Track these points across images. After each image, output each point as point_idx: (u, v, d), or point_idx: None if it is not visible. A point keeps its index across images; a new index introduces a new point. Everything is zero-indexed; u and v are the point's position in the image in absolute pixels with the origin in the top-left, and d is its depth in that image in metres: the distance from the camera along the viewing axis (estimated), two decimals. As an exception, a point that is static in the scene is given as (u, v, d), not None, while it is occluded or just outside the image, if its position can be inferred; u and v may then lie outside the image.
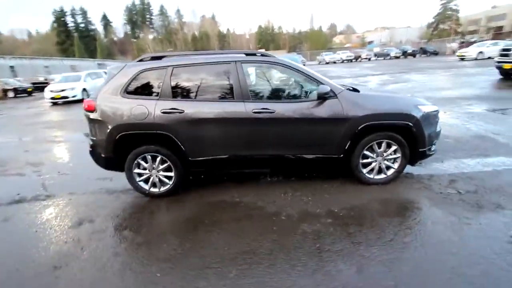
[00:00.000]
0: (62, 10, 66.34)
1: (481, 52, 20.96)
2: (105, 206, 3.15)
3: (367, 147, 3.05)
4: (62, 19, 66.51)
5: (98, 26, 74.81)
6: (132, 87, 2.99)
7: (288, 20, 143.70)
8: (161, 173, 3.12)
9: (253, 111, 2.88)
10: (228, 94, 2.96)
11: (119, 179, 3.77)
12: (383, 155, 3.12)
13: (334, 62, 36.38)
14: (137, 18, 78.68)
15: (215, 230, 2.50)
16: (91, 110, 3.01)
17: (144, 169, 3.12)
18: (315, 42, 70.09)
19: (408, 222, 2.49)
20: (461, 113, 6.31)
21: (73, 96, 13.39)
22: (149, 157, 3.05)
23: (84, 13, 70.85)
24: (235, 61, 2.96)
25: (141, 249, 2.30)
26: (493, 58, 19.72)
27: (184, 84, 3.00)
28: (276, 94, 3.26)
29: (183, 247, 2.28)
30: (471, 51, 21.74)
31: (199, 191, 3.31)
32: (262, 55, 3.15)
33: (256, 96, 3.04)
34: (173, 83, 2.95)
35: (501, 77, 10.47)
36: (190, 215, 2.80)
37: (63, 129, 8.04)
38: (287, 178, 3.53)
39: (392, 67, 21.08)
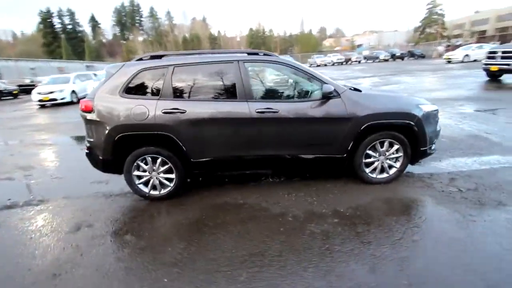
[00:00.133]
0: (48, 11, 64.81)
1: (467, 55, 21.61)
2: (103, 210, 3.04)
3: (369, 146, 3.06)
4: (49, 20, 64.94)
5: (86, 28, 73.45)
6: (131, 87, 2.90)
7: (278, 23, 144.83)
8: (162, 175, 3.04)
9: (256, 111, 2.84)
10: (231, 94, 2.91)
11: (115, 182, 3.67)
12: (385, 154, 3.13)
13: (325, 65, 36.79)
14: (127, 20, 77.64)
15: (220, 233, 2.43)
16: (88, 110, 2.91)
17: (144, 171, 3.02)
18: (306, 45, 70.79)
19: (415, 220, 2.49)
20: (453, 114, 6.45)
21: (62, 99, 13.03)
22: (149, 158, 2.97)
23: (71, 14, 69.46)
24: (238, 60, 2.92)
25: (145, 254, 2.21)
26: (478, 60, 20.50)
27: (186, 83, 2.93)
28: (279, 94, 3.23)
29: (189, 251, 2.21)
30: (457, 54, 22.39)
31: (200, 193, 3.24)
32: (265, 54, 3.12)
33: (259, 95, 3.00)
34: (174, 83, 2.88)
35: (488, 78, 10.80)
36: (193, 218, 2.72)
37: (52, 132, 7.78)
38: (289, 179, 3.50)
39: (382, 70, 21.47)
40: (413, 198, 2.91)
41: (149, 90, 2.92)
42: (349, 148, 3.02)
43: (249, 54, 3.10)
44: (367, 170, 3.16)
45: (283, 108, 2.89)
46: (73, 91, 13.63)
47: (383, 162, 3.15)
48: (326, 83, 2.92)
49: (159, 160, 2.97)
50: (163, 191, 3.08)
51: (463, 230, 2.32)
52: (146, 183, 3.07)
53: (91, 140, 3.00)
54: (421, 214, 2.60)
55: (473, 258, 1.99)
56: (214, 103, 2.90)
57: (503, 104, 6.99)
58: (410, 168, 3.48)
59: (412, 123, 2.99)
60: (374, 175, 3.18)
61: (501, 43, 24.77)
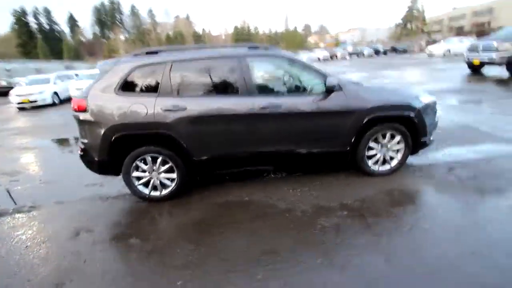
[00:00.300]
0: (23, 10, 61.73)
1: (448, 49, 22.32)
2: (101, 214, 2.90)
3: (372, 139, 3.07)
4: (24, 19, 61.91)
5: (64, 27, 70.56)
6: (127, 84, 2.77)
7: (263, 20, 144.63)
8: (163, 175, 2.93)
9: (259, 106, 2.78)
10: (233, 89, 2.84)
11: (111, 184, 3.53)
12: (387, 146, 3.15)
13: (312, 61, 37.08)
14: (107, 19, 75.15)
15: (229, 232, 2.37)
16: (82, 110, 2.75)
17: (144, 171, 2.91)
18: (291, 42, 71.09)
19: (421, 210, 2.52)
20: (442, 105, 6.60)
21: (43, 100, 12.44)
22: (149, 158, 2.85)
23: (48, 13, 66.41)
24: (239, 55, 2.84)
25: (153, 257, 2.12)
26: (458, 54, 21.22)
27: (186, 80, 2.82)
28: (282, 88, 3.18)
29: (199, 252, 2.13)
30: (438, 49, 23.08)
31: (201, 193, 3.15)
32: (266, 48, 3.05)
33: (261, 90, 2.94)
34: (173, 79, 2.77)
35: (470, 71, 11.17)
36: (198, 218, 2.64)
37: (35, 135, 7.41)
38: (290, 174, 3.47)
39: (368, 65, 21.84)
40: (416, 188, 2.94)
41: (147, 87, 2.79)
42: (352, 141, 3.01)
43: (250, 48, 3.02)
44: (370, 162, 3.17)
45: (286, 103, 2.84)
46: (55, 92, 13.05)
47: (385, 154, 3.18)
48: (328, 77, 2.89)
49: (159, 160, 2.86)
50: (164, 192, 2.98)
51: (468, 218, 2.37)
52: (146, 184, 2.96)
53: (86, 141, 2.85)
54: (426, 204, 2.63)
55: (482, 245, 2.02)
56: (216, 99, 2.81)
57: (486, 95, 7.25)
58: (409, 159, 3.53)
59: (413, 114, 3.02)
60: (376, 167, 3.20)
61: (477, 38, 25.77)
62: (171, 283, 1.84)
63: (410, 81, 10.96)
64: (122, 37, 71.27)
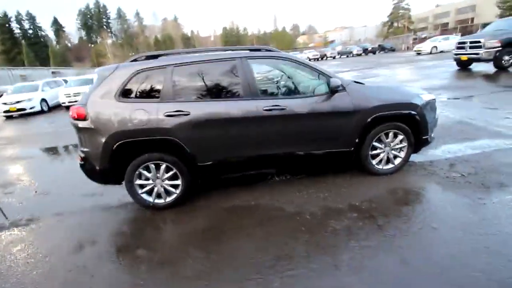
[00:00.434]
0: (6, 15, 60.09)
1: (434, 47, 22.85)
2: (104, 224, 2.81)
3: (375, 138, 3.08)
4: (7, 25, 60.24)
5: (49, 32, 69.06)
6: (128, 90, 2.70)
7: (252, 21, 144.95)
8: (166, 182, 2.86)
9: (263, 108, 2.75)
10: (236, 92, 2.80)
11: (110, 193, 3.43)
12: (390, 145, 3.17)
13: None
14: (93, 22, 73.95)
15: (240, 238, 2.33)
16: (81, 118, 2.67)
17: (147, 179, 2.83)
18: (280, 42, 71.43)
19: (429, 208, 2.53)
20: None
21: (31, 108, 12.11)
22: (152, 165, 2.78)
23: (31, 18, 64.90)
24: (241, 57, 2.81)
25: (165, 269, 2.06)
26: (445, 51, 21.74)
27: (188, 84, 2.78)
28: (285, 90, 3.16)
29: (212, 261, 2.08)
30: (426, 46, 23.60)
31: (207, 198, 3.10)
32: (267, 50, 3.03)
33: (264, 93, 2.91)
34: (175, 84, 2.72)
35: (459, 68, 11.43)
36: (206, 224, 2.59)
37: (26, 145, 7.20)
38: (294, 176, 3.45)
39: (358, 64, 22.11)
40: (421, 186, 2.96)
41: (148, 92, 2.73)
42: (356, 140, 3.02)
43: (251, 50, 2.99)
44: (374, 161, 3.18)
45: (290, 105, 2.82)
46: (43, 99, 12.72)
47: (388, 153, 3.19)
48: (331, 77, 2.89)
49: (163, 167, 2.80)
50: (169, 199, 2.91)
51: (476, 214, 2.39)
52: (149, 192, 2.89)
53: (86, 149, 2.76)
54: (433, 202, 2.64)
55: (493, 241, 2.04)
56: (219, 102, 2.77)
57: (476, 91, 7.41)
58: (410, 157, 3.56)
59: (415, 112, 3.05)
60: (380, 166, 3.21)
61: (462, 35, 26.47)
62: (186, 295, 1.79)
63: (401, 79, 11.13)
64: (109, 41, 70.20)
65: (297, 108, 2.84)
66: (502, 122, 4.77)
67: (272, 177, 3.49)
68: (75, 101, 12.60)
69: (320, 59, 38.59)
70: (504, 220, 2.26)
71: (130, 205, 3.12)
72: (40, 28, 66.42)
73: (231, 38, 77.43)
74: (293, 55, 3.01)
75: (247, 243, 2.26)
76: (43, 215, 3.13)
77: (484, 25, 24.41)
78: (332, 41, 73.08)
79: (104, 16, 75.14)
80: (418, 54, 23.67)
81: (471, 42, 10.24)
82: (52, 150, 6.31)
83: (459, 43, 11.00)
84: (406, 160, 3.27)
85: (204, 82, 2.80)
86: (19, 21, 63.24)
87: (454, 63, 11.64)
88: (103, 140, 2.64)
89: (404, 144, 3.18)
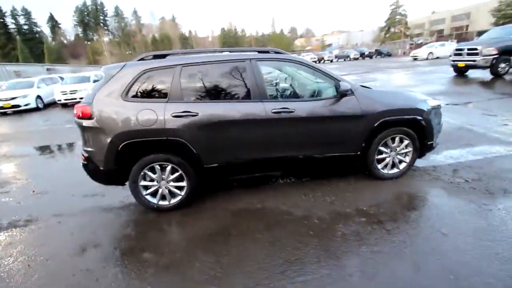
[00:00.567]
0: (0, 10, 59.16)
1: (431, 53, 23.15)
2: (107, 226, 2.75)
3: (382, 142, 3.08)
4: (1, 20, 59.28)
5: (45, 28, 68.16)
6: (135, 89, 2.65)
7: (250, 23, 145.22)
8: (172, 183, 2.81)
9: (272, 111, 2.72)
10: (245, 94, 2.77)
11: (112, 194, 3.37)
12: (396, 150, 3.17)
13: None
14: (90, 20, 73.24)
15: (248, 242, 2.29)
16: (86, 117, 2.61)
17: (152, 180, 2.78)
18: (278, 45, 71.61)
19: (437, 213, 2.52)
20: (435, 108, 6.78)
21: (26, 105, 11.91)
22: (158, 166, 2.73)
23: (27, 13, 63.97)
24: (250, 58, 2.78)
25: (172, 273, 2.01)
26: (441, 57, 22.04)
27: (196, 84, 2.74)
28: (293, 93, 3.14)
29: (221, 265, 2.04)
30: (422, 52, 23.90)
31: (211, 200, 3.05)
32: (276, 52, 3.01)
33: (272, 95, 2.88)
34: (183, 84, 2.68)
35: (455, 74, 11.59)
36: (213, 227, 2.55)
37: (22, 143, 7.05)
38: (299, 179, 3.43)
39: (356, 68, 22.28)
40: (427, 191, 2.97)
41: (155, 92, 2.68)
42: (363, 145, 3.01)
43: (259, 52, 2.97)
44: (379, 166, 3.18)
45: (298, 108, 2.80)
46: (38, 96, 12.52)
47: (394, 158, 3.19)
48: (340, 81, 2.88)
49: (168, 168, 2.75)
50: (173, 201, 2.86)
51: (483, 220, 2.40)
52: (153, 194, 2.83)
53: (90, 149, 2.70)
54: (440, 207, 2.64)
55: (503, 247, 2.05)
56: (228, 104, 2.74)
57: (474, 97, 7.50)
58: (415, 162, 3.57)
59: (421, 118, 3.06)
60: (386, 171, 3.21)
61: (457, 41, 26.89)
62: (196, 300, 1.75)
63: (400, 85, 11.24)
64: (106, 38, 69.59)
65: (306, 111, 2.82)
66: (501, 129, 4.83)
67: (277, 180, 3.46)
68: (72, 99, 12.46)
69: (317, 62, 38.82)
70: (511, 225, 2.27)
71: (133, 207, 3.06)
72: (35, 24, 65.53)
73: (229, 39, 77.46)
74: (301, 57, 2.99)
75: (256, 247, 2.22)
76: (42, 216, 3.05)
77: (479, 32, 24.86)
78: (329, 45, 73.59)
79: (101, 14, 74.54)
80: (415, 59, 23.95)
81: (468, 49, 10.39)
82: (47, 149, 6.18)
83: (457, 49, 11.15)
84: (411, 165, 3.27)
85: (213, 83, 2.77)
86: (14, 16, 62.32)
87: (451, 69, 11.80)
88: (109, 140, 2.58)
89: (410, 149, 3.18)
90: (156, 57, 2.83)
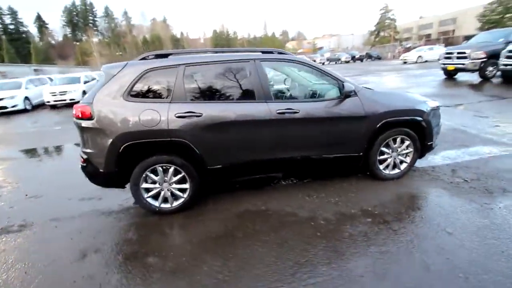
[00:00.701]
0: (-16, 9, 57.44)
1: (420, 56, 23.71)
2: (107, 230, 2.66)
3: (383, 143, 3.10)
4: (-15, 19, 57.56)
5: (32, 28, 66.47)
6: (137, 89, 2.58)
7: (242, 25, 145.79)
8: (174, 185, 2.75)
9: (277, 111, 2.71)
10: (249, 94, 2.74)
11: (109, 197, 3.29)
12: (397, 150, 3.20)
13: (292, 66, 37.63)
14: (79, 20, 71.91)
15: (255, 244, 2.25)
16: (86, 117, 2.52)
17: (154, 182, 2.72)
18: (270, 47, 71.85)
19: (441, 213, 2.55)
20: (428, 109, 6.91)
21: (13, 106, 11.54)
22: (160, 168, 2.67)
23: (13, 13, 62.28)
24: (254, 59, 2.76)
25: (179, 277, 1.95)
26: (429, 61, 22.58)
27: (200, 84, 2.69)
28: (297, 93, 3.13)
29: (229, 268, 2.00)
30: (411, 56, 24.45)
31: (214, 202, 3.00)
32: (280, 53, 3.00)
33: (278, 95, 2.87)
34: (187, 84, 2.63)
35: (445, 77, 11.88)
36: (218, 230, 2.50)
37: (9, 145, 6.81)
38: (301, 181, 3.42)
39: (348, 70, 22.57)
40: (429, 191, 3.00)
41: (158, 92, 2.62)
42: (365, 145, 3.02)
43: (263, 52, 2.95)
44: (381, 166, 3.20)
45: (302, 108, 2.79)
46: (26, 97, 12.15)
47: (395, 158, 3.22)
48: (344, 82, 2.89)
49: (171, 170, 2.69)
50: (176, 204, 2.80)
51: (486, 218, 2.43)
52: (155, 196, 2.76)
53: (89, 151, 2.61)
54: (443, 206, 2.67)
55: (508, 246, 2.08)
56: (232, 104, 2.70)
57: (465, 99, 7.70)
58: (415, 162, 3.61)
59: (421, 119, 3.10)
60: (387, 171, 3.23)
61: (445, 45, 27.64)
62: (207, 305, 1.70)
63: (392, 87, 11.44)
64: (95, 39, 68.39)
65: (310, 111, 2.81)
66: (493, 130, 4.96)
67: (279, 181, 3.44)
68: (62, 100, 12.15)
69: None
70: (513, 224, 2.31)
71: (133, 210, 2.99)
72: (22, 24, 63.82)
73: (221, 41, 77.42)
74: (305, 58, 2.99)
75: (264, 249, 2.19)
76: (37, 220, 2.93)
77: (466, 37, 25.64)
78: (320, 48, 74.40)
79: (90, 14, 73.30)
80: (405, 63, 24.46)
81: (458, 53, 10.67)
82: (37, 151, 5.99)
83: (447, 53, 11.44)
84: (411, 165, 3.31)
85: (217, 83, 2.73)
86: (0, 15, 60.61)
87: (441, 72, 12.10)
88: (110, 141, 2.50)
89: (410, 149, 3.22)
90: (158, 56, 2.78)
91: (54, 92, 12.07)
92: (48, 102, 12.12)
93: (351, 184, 3.22)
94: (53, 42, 68.34)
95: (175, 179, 2.73)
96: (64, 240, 2.54)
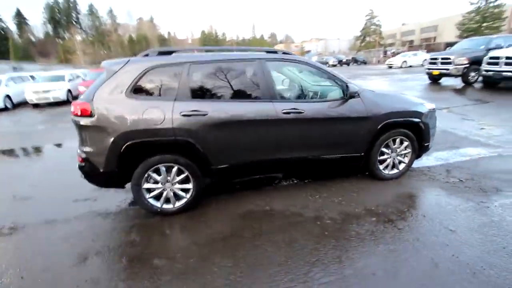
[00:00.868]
0: (-43, 2, 54.28)
1: (405, 61, 24.51)
2: (107, 232, 2.56)
3: (384, 144, 3.16)
4: (-42, 13, 54.40)
5: (11, 25, 63.50)
6: (140, 87, 2.51)
7: (230, 27, 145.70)
8: (177, 186, 2.69)
9: (282, 111, 2.70)
10: (255, 94, 2.73)
11: (105, 197, 3.20)
12: (396, 151, 3.27)
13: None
14: (61, 17, 69.47)
15: (265, 244, 2.23)
16: (86, 114, 2.42)
17: (156, 182, 2.64)
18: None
19: (441, 211, 2.62)
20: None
21: (-8, 104, 10.97)
22: (163, 168, 2.60)
23: (-11, 7, 59.30)
24: (259, 58, 2.75)
25: (191, 279, 1.90)
26: (413, 66, 23.39)
27: (205, 83, 2.65)
28: (302, 94, 3.14)
29: (240, 269, 1.96)
30: (396, 61, 25.24)
31: (217, 203, 2.95)
32: (284, 53, 3.00)
33: (283, 95, 2.87)
34: (192, 82, 2.58)
35: (430, 81, 12.32)
36: (224, 231, 2.45)
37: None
38: (302, 181, 3.43)
39: (336, 74, 22.92)
40: (428, 191, 3.08)
41: (162, 90, 2.56)
42: (367, 146, 3.07)
43: (267, 52, 2.94)
44: (381, 167, 3.26)
45: (307, 109, 2.80)
46: (7, 96, 11.59)
47: (394, 159, 3.29)
48: (345, 82, 2.93)
49: (174, 169, 2.62)
50: (178, 204, 2.73)
51: (484, 216, 2.52)
52: (157, 197, 2.69)
53: (88, 150, 2.51)
54: (443, 205, 2.74)
55: (508, 241, 2.16)
56: (238, 103, 2.67)
57: (450, 103, 8.00)
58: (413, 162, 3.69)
59: (420, 120, 3.19)
60: (387, 172, 3.30)
61: (427, 51, 28.73)
62: (222, 307, 1.66)
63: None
64: (79, 37, 66.28)
65: (314, 112, 2.83)
66: (480, 132, 5.18)
67: (279, 181, 3.43)
68: (45, 98, 11.66)
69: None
70: (510, 220, 2.41)
71: (132, 211, 2.89)
72: (0, 20, 60.93)
73: (210, 42, 77.00)
74: (309, 59, 3.01)
75: (274, 249, 2.17)
76: (29, 223, 2.78)
77: (448, 44, 26.72)
78: (308, 51, 75.46)
79: (73, 11, 71.00)
80: (390, 67, 25.20)
81: (442, 59, 11.11)
82: (20, 152, 5.71)
83: (432, 59, 11.88)
84: (409, 165, 3.39)
85: (222, 82, 2.70)
86: (-26, 9, 57.51)
87: (424, 77, 12.55)
88: (111, 139, 2.41)
89: (409, 150, 3.30)
90: (161, 53, 2.71)
91: (37, 91, 11.58)
92: (31, 100, 11.61)
93: (352, 184, 3.26)
94: (33, 39, 65.61)
95: (178, 179, 2.67)
96: (61, 244, 2.42)
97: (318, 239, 2.25)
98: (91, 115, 2.42)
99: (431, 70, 11.70)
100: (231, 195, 3.12)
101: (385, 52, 41.74)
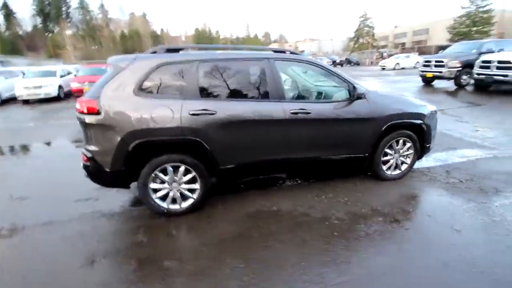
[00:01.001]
0: None
1: (398, 63, 24.92)
2: (112, 234, 2.52)
3: (387, 145, 3.20)
4: None
5: (-4, 17, 61.46)
6: (149, 84, 2.47)
7: (224, 25, 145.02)
8: (184, 186, 2.65)
9: (290, 111, 2.70)
10: (263, 94, 2.72)
11: (107, 197, 3.13)
12: (399, 152, 3.32)
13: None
14: (51, 10, 67.66)
15: (275, 245, 2.23)
16: (93, 112, 2.37)
17: (162, 182, 2.60)
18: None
19: (445, 211, 2.67)
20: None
21: (-20, 100, 10.60)
22: (170, 168, 2.56)
23: (-26, -1, 57.32)
24: (268, 58, 2.74)
25: (203, 281, 1.88)
26: (406, 68, 23.79)
27: (214, 81, 2.62)
28: (309, 94, 3.15)
29: (253, 270, 1.96)
30: (390, 62, 25.65)
31: (223, 203, 2.93)
32: (291, 53, 3.00)
33: (291, 95, 2.87)
34: (201, 80, 2.55)
35: (423, 83, 12.55)
36: (232, 231, 2.44)
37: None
38: (306, 181, 3.44)
39: (330, 74, 23.08)
40: (430, 191, 3.14)
41: (171, 88, 2.52)
42: (371, 147, 3.11)
43: (274, 52, 2.94)
44: (384, 167, 3.30)
45: (315, 109, 2.82)
46: (-5, 91, 11.22)
47: (397, 159, 3.34)
48: (351, 83, 2.95)
49: (181, 169, 2.59)
50: (184, 205, 2.70)
51: (486, 216, 2.59)
52: (163, 197, 2.65)
53: (94, 148, 2.45)
54: (446, 205, 2.79)
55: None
56: (247, 103, 2.66)
57: (445, 105, 8.16)
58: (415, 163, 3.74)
59: (422, 122, 3.24)
60: (389, 172, 3.34)
61: (419, 54, 29.28)
62: (238, 309, 1.65)
63: (376, 91, 11.85)
64: (69, 31, 64.64)
65: (322, 112, 2.84)
66: (475, 134, 5.31)
67: (284, 182, 3.44)
68: (36, 94, 11.35)
69: (292, 67, 39.62)
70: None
71: (137, 211, 2.85)
72: (-16, 11, 58.89)
73: (203, 40, 76.37)
74: (316, 59, 3.02)
75: (285, 249, 2.17)
76: (29, 224, 2.69)
77: (439, 47, 27.31)
78: (302, 51, 75.70)
79: (63, 5, 69.26)
80: (383, 69, 25.56)
81: (435, 61, 11.33)
82: (11, 150, 5.54)
83: (426, 61, 12.10)
84: (411, 166, 3.45)
85: (231, 81, 2.67)
86: (-42, 1, 55.51)
87: (418, 78, 12.77)
88: (118, 138, 2.37)
89: (411, 151, 3.35)
90: (169, 50, 2.67)
91: (28, 86, 11.25)
92: (21, 96, 11.27)
93: (356, 185, 3.29)
94: (20, 32, 63.72)
95: (185, 179, 2.63)
96: (65, 245, 2.35)
97: (328, 240, 2.26)
98: (98, 113, 2.36)
99: (424, 73, 11.92)
100: (237, 195, 3.11)
101: (381, 54, 42.25)
